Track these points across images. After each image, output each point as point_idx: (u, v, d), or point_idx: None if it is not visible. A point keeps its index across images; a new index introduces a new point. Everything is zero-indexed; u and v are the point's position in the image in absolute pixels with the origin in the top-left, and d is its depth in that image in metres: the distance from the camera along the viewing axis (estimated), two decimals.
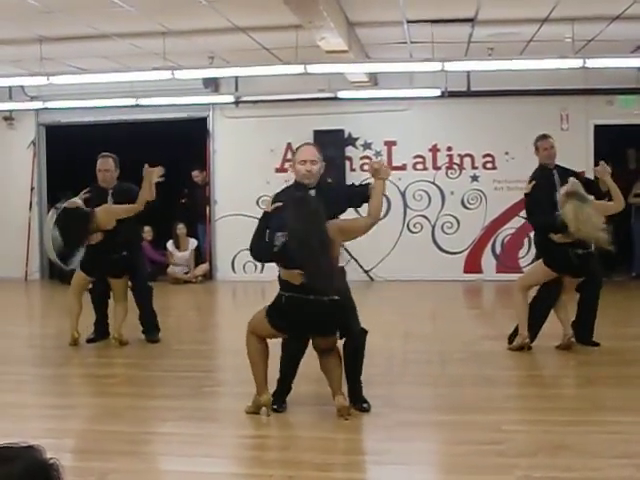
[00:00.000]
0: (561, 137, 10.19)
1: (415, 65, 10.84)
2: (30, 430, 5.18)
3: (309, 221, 5.17)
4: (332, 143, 12.75)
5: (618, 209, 7.58)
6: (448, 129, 13.25)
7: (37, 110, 14.14)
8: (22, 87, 13.51)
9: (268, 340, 5.63)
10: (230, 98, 13.46)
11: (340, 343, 5.69)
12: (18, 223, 14.18)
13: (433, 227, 13.43)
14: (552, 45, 10.15)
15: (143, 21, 9.21)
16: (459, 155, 13.29)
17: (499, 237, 13.23)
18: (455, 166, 13.33)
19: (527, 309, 7.59)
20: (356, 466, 4.91)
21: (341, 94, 12.61)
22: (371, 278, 13.36)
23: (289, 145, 13.21)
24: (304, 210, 5.23)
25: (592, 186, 7.68)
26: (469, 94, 12.82)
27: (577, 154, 11.74)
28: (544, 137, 7.85)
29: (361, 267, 13.15)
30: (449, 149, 13.31)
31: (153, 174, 8.00)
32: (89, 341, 8.36)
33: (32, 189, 14.12)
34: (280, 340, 5.78)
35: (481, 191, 13.17)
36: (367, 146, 13.41)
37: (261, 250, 5.55)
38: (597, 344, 7.63)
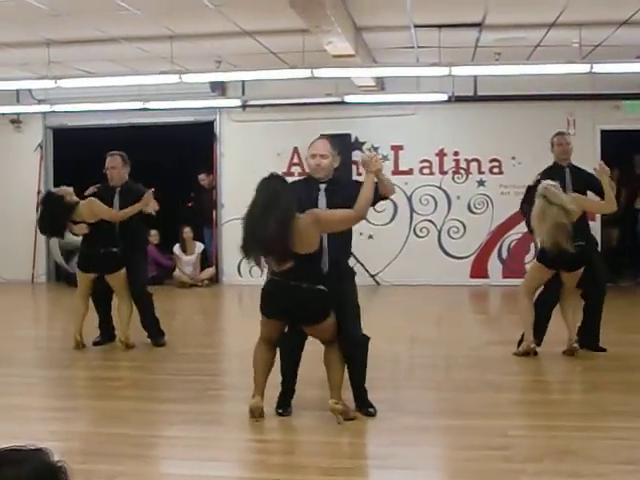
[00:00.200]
0: None
1: (422, 70, 10.85)
2: (36, 432, 5.19)
3: (264, 204, 5.25)
4: (339, 147, 12.71)
5: (608, 210, 7.59)
6: (455, 134, 13.24)
7: (44, 113, 14.18)
8: (29, 90, 13.56)
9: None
10: (237, 102, 13.49)
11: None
12: (25, 226, 14.18)
13: (439, 232, 13.42)
14: (559, 50, 10.14)
15: (150, 25, 9.22)
16: (466, 160, 13.29)
17: (505, 242, 13.21)
18: (462, 171, 13.32)
19: (532, 315, 7.57)
20: (361, 470, 4.90)
21: (348, 98, 12.61)
22: (377, 282, 13.36)
23: (296, 149, 13.22)
24: (262, 193, 5.31)
25: (597, 186, 7.62)
26: (476, 99, 12.81)
27: (584, 159, 11.56)
28: (560, 134, 8.10)
29: (367, 271, 13.14)
30: (456, 154, 13.31)
31: (150, 203, 8.04)
32: (95, 344, 8.37)
33: (39, 192, 14.12)
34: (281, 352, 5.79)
35: (487, 196, 13.16)
36: (374, 150, 13.40)
37: None
38: (604, 350, 7.63)
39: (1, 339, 9.02)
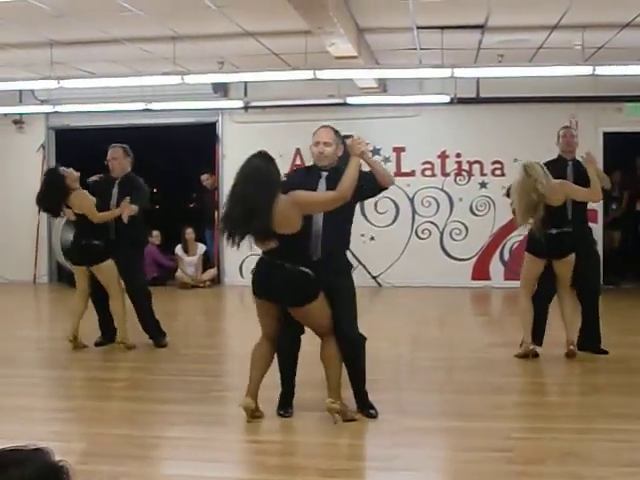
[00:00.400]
0: None
1: (424, 71, 10.85)
2: (37, 433, 5.18)
3: (245, 179, 5.35)
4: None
5: (593, 198, 7.60)
6: (457, 135, 13.24)
7: (47, 114, 14.21)
8: (32, 91, 13.57)
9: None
10: (239, 103, 13.49)
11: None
12: (27, 226, 14.22)
13: (441, 233, 13.42)
14: (562, 52, 10.14)
15: (153, 26, 9.24)
16: (468, 162, 13.29)
17: (507, 244, 13.21)
18: (464, 172, 13.32)
19: (531, 316, 7.58)
20: (362, 472, 4.91)
21: (350, 100, 12.61)
22: (379, 284, 13.36)
23: (298, 150, 13.22)
24: (245, 169, 5.43)
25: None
26: (478, 101, 12.81)
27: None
28: (567, 127, 8.29)
29: (369, 273, 13.15)
30: (458, 155, 13.31)
31: (125, 211, 8.05)
32: (97, 344, 8.37)
33: None
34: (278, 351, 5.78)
35: (490, 198, 13.16)
36: (376, 152, 13.40)
37: None
38: (606, 352, 7.63)
39: (3, 339, 9.03)
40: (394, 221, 13.42)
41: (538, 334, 7.63)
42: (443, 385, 6.87)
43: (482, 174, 13.21)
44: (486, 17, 9.07)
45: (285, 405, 5.78)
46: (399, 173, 13.10)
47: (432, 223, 13.44)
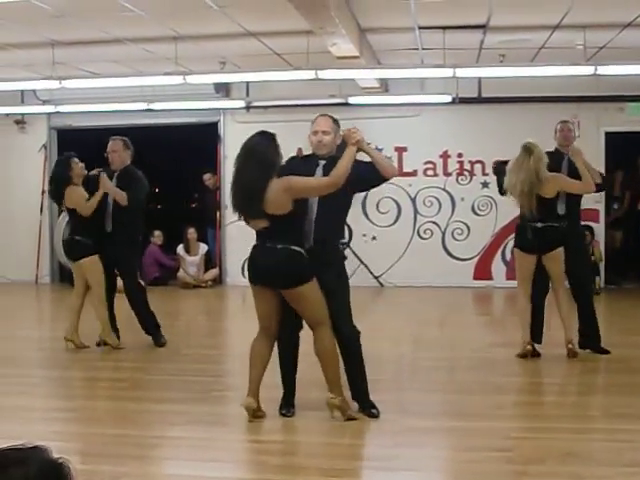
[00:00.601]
0: None
1: (426, 71, 10.86)
2: (38, 433, 5.17)
3: (244, 156, 5.42)
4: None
5: (585, 189, 7.58)
6: (459, 135, 13.24)
7: (49, 114, 14.22)
8: (34, 91, 13.58)
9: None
10: (241, 103, 13.49)
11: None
12: (29, 226, 14.24)
13: (443, 233, 13.42)
14: (563, 52, 10.14)
15: (154, 26, 9.24)
16: (470, 161, 13.28)
17: (509, 244, 13.15)
18: (466, 172, 13.32)
19: (529, 316, 7.57)
20: (364, 472, 4.91)
21: (352, 100, 12.61)
22: (381, 284, 13.35)
23: (300, 150, 13.17)
24: (245, 147, 5.47)
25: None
26: (480, 100, 12.81)
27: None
28: (564, 121, 8.31)
29: (371, 273, 13.14)
30: (460, 155, 13.31)
31: (105, 185, 8.14)
32: (99, 344, 8.36)
33: (43, 192, 14.13)
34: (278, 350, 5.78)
35: (491, 198, 13.13)
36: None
37: None
38: (607, 352, 7.61)
39: (4, 339, 9.03)
40: (396, 221, 13.42)
41: (536, 332, 7.63)
42: (445, 385, 6.87)
43: (484, 174, 13.18)
44: (488, 17, 9.06)
45: (287, 405, 5.77)
46: (401, 173, 13.05)
47: (434, 223, 13.44)
